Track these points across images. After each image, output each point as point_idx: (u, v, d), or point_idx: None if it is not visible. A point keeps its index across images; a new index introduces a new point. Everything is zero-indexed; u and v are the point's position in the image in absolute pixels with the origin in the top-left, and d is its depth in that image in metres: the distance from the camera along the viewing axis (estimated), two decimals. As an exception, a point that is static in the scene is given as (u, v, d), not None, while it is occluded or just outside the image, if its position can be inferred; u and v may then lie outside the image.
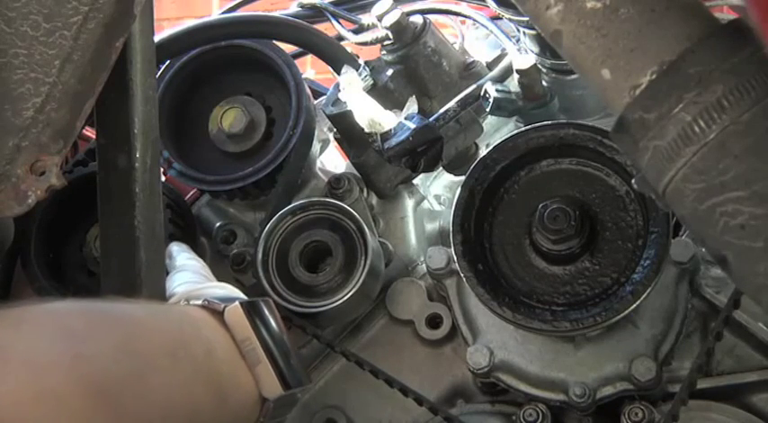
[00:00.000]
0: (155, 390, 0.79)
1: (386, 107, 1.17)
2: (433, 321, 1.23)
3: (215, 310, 0.95)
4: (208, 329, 0.92)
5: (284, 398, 0.95)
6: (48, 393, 0.69)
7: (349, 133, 1.23)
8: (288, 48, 1.31)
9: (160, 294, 1.04)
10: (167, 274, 1.09)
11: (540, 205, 1.07)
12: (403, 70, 1.24)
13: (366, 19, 1.30)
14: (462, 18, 1.36)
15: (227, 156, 1.29)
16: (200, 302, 0.97)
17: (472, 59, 1.28)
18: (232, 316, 0.94)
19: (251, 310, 0.95)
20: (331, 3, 1.36)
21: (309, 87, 1.29)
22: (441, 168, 1.27)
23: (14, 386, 0.69)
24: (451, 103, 1.19)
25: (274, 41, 1.28)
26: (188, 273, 1.09)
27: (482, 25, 1.31)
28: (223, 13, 1.46)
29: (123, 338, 0.80)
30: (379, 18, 1.23)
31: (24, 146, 0.92)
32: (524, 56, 1.20)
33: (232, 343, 0.93)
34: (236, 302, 0.95)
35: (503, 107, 1.19)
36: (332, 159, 1.40)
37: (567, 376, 1.13)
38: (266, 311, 0.98)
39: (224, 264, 1.28)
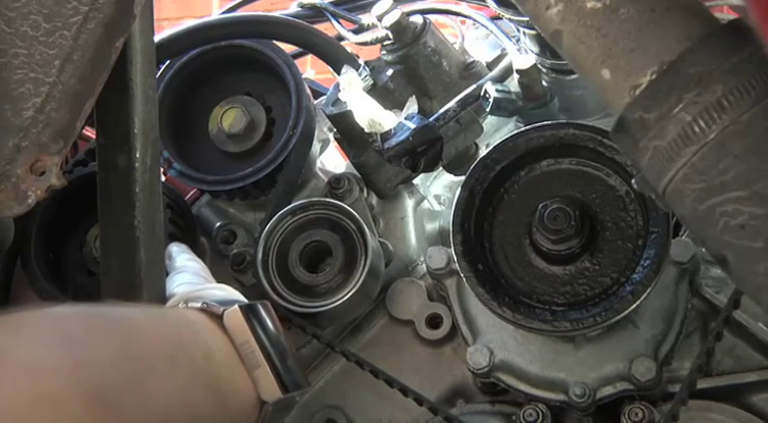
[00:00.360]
0: (154, 394, 0.79)
1: (386, 107, 1.16)
2: (433, 321, 1.23)
3: (214, 313, 0.95)
4: (206, 333, 0.92)
5: (282, 401, 0.95)
6: (47, 399, 0.69)
7: (349, 133, 1.23)
8: (288, 48, 1.31)
9: (160, 294, 1.04)
10: (167, 274, 1.09)
11: (540, 205, 1.07)
12: (403, 70, 1.24)
13: (366, 19, 1.30)
14: (462, 18, 1.36)
15: (227, 156, 1.29)
16: (198, 305, 0.97)
17: (472, 59, 1.28)
18: (231, 319, 0.94)
19: (249, 313, 0.95)
20: (331, 3, 1.36)
21: (309, 87, 1.29)
22: (441, 168, 1.27)
23: (14, 391, 0.69)
24: (451, 103, 1.19)
25: (274, 41, 1.28)
26: (188, 274, 1.09)
27: (482, 25, 1.31)
28: (223, 13, 1.46)
29: (122, 343, 0.80)
30: (379, 18, 1.23)
31: (24, 146, 0.92)
32: (524, 56, 1.20)
33: (231, 346, 0.93)
34: (235, 306, 0.95)
35: (503, 107, 1.19)
36: (332, 159, 1.40)
37: (567, 376, 1.13)
38: (265, 315, 0.98)
39: (224, 264, 1.28)
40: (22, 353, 0.71)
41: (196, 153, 1.30)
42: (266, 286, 1.16)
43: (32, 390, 0.69)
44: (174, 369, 0.83)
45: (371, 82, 1.23)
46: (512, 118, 1.30)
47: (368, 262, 1.15)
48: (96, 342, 0.77)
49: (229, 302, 0.97)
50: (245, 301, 1.03)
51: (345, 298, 1.15)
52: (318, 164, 1.34)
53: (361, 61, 1.26)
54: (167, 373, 0.82)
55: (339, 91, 1.20)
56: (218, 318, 0.94)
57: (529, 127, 1.11)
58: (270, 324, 0.97)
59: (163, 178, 1.18)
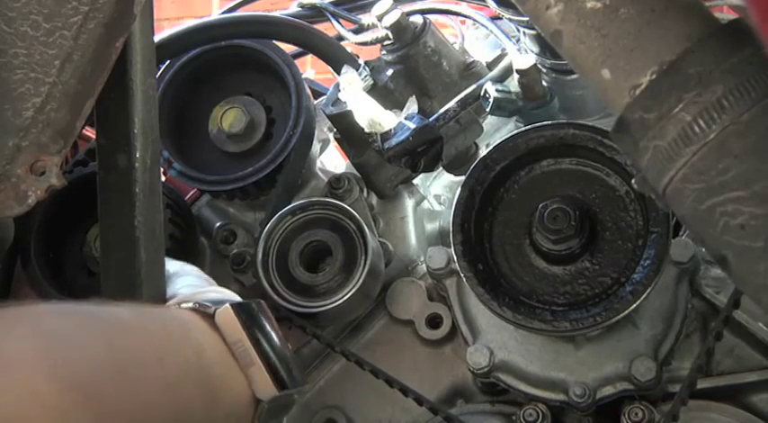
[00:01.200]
0: (139, 391, 0.79)
1: (386, 107, 1.17)
2: (433, 321, 1.23)
3: (206, 312, 0.95)
4: (197, 331, 0.92)
5: (279, 399, 0.94)
6: (31, 395, 0.69)
7: (349, 133, 1.23)
8: (288, 48, 1.31)
9: (160, 294, 1.04)
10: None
11: (540, 205, 1.07)
12: (403, 70, 1.24)
13: (366, 19, 1.30)
14: (462, 18, 1.36)
15: (227, 156, 1.29)
16: (190, 305, 0.96)
17: (472, 59, 1.28)
18: (223, 318, 0.94)
19: (242, 311, 0.95)
20: (331, 3, 1.36)
21: (309, 87, 1.29)
22: (441, 168, 1.27)
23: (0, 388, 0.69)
24: (451, 103, 1.19)
25: (274, 41, 1.28)
26: (191, 277, 1.09)
27: (482, 25, 1.31)
28: (223, 13, 1.46)
29: (108, 340, 0.79)
30: (379, 18, 1.23)
31: (24, 146, 0.92)
32: (524, 56, 1.20)
33: (223, 345, 0.93)
34: (227, 304, 0.95)
35: (503, 107, 1.19)
36: (332, 159, 1.40)
37: (567, 376, 1.13)
38: (258, 313, 0.97)
39: (224, 264, 1.28)
40: (6, 350, 0.71)
41: (196, 153, 1.30)
42: (266, 286, 1.16)
43: (17, 387, 0.69)
44: (161, 365, 0.83)
45: (371, 82, 1.23)
46: (512, 118, 1.30)
47: (368, 262, 1.15)
48: (82, 339, 0.77)
49: (223, 302, 0.97)
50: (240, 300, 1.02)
51: (345, 298, 1.15)
52: (318, 164, 1.34)
53: (361, 61, 1.26)
54: (154, 369, 0.82)
55: (339, 91, 1.20)
56: (209, 317, 0.94)
57: (529, 127, 1.11)
58: (264, 322, 0.97)
59: (163, 178, 1.18)
